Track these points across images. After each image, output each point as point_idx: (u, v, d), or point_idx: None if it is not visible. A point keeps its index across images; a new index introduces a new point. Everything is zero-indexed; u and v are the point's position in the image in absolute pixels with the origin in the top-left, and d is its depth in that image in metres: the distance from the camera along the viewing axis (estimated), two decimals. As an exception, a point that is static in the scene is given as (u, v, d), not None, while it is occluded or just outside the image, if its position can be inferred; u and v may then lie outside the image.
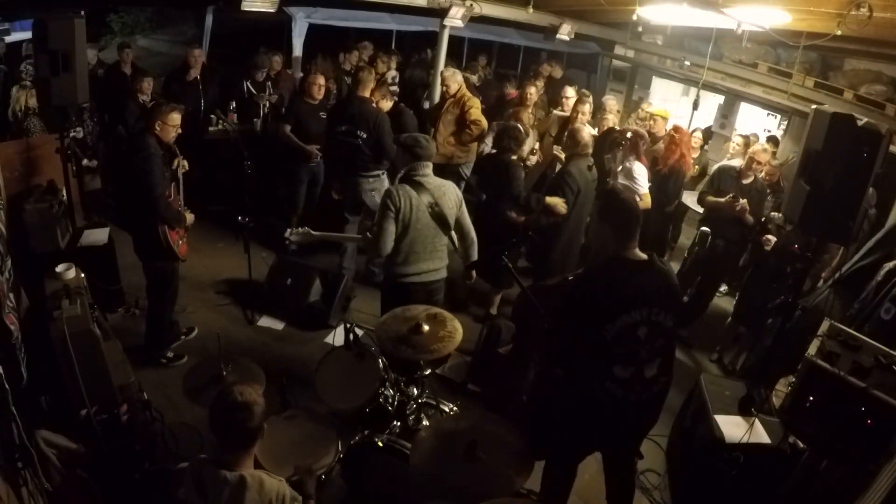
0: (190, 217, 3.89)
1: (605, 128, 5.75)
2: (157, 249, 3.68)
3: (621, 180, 4.81)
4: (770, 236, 4.44)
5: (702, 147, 6.15)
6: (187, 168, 3.94)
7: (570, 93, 6.06)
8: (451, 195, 3.49)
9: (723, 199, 4.62)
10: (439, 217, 3.42)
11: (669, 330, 2.41)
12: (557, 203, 4.35)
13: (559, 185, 4.43)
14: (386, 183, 4.99)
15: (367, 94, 4.89)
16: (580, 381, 2.39)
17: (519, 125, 4.84)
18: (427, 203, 3.37)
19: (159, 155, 3.56)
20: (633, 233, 2.39)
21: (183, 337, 4.28)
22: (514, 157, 4.57)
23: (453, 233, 3.59)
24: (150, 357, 3.97)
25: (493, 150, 4.79)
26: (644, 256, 2.40)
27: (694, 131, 6.11)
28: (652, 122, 5.67)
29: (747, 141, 6.14)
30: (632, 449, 2.74)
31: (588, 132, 4.63)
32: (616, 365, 2.33)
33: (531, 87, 6.11)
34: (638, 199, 4.73)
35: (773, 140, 7.19)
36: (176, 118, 3.62)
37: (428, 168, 3.43)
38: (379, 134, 4.79)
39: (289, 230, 3.68)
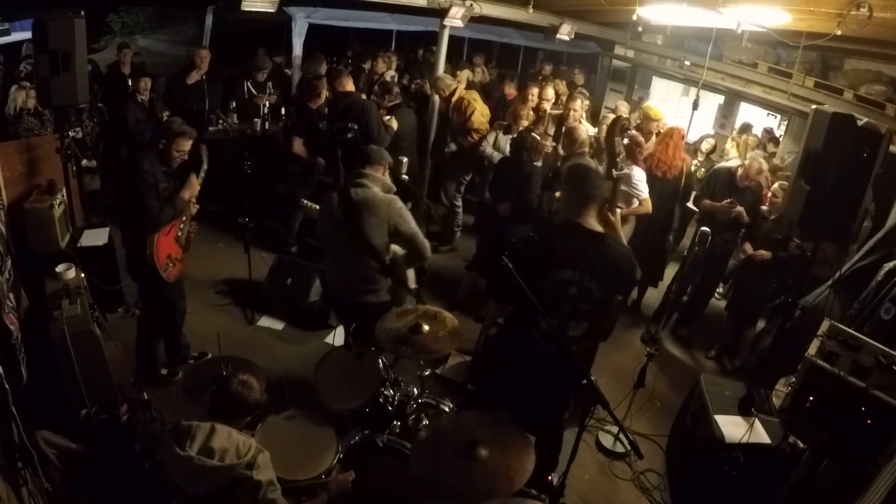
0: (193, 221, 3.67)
1: (604, 126, 5.77)
2: (146, 270, 3.44)
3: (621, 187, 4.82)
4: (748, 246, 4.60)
5: (709, 154, 6.15)
6: (197, 207, 3.71)
7: (551, 94, 6.06)
8: (379, 215, 3.10)
9: (719, 205, 4.65)
10: (354, 235, 3.11)
11: (598, 301, 2.56)
12: None
13: (552, 185, 4.45)
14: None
15: (349, 88, 4.92)
16: (514, 330, 2.69)
17: (537, 136, 4.86)
18: (346, 215, 3.11)
19: (160, 172, 3.33)
20: (589, 202, 2.56)
21: (191, 361, 4.05)
22: (538, 165, 4.57)
23: (397, 252, 3.29)
24: (143, 377, 3.62)
25: (511, 157, 4.80)
26: (598, 229, 2.57)
27: (706, 137, 6.12)
28: (657, 123, 5.69)
29: (740, 140, 6.19)
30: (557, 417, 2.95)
31: (585, 131, 4.63)
32: (541, 316, 2.52)
33: (534, 88, 6.10)
34: (637, 203, 4.76)
35: (774, 140, 7.22)
36: (186, 145, 3.38)
37: (366, 178, 3.14)
38: (367, 119, 4.76)
39: (303, 200, 3.62)
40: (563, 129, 5.04)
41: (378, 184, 3.17)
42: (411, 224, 3.19)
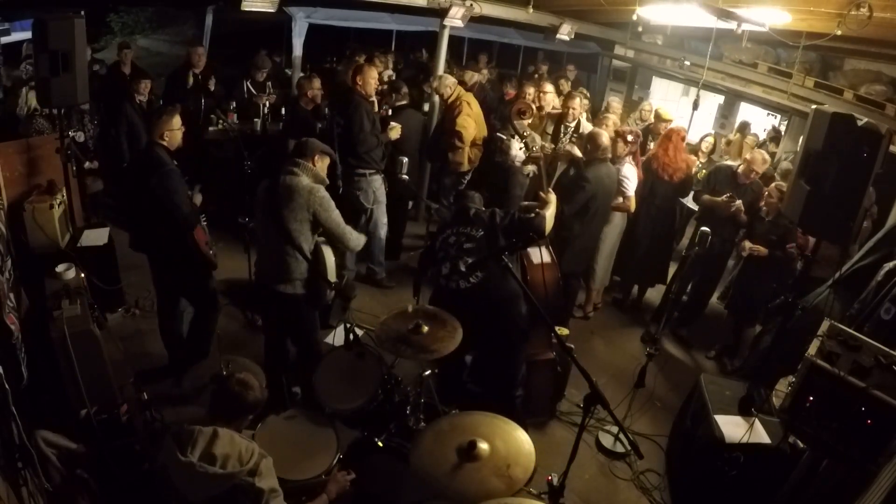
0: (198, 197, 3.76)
1: (605, 127, 5.76)
2: (195, 265, 3.60)
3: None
4: (746, 243, 4.58)
5: (710, 154, 6.14)
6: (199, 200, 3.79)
7: (549, 89, 6.04)
8: (298, 200, 3.11)
9: (719, 199, 4.66)
10: (274, 219, 3.14)
11: (479, 238, 3.32)
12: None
13: (573, 190, 4.40)
14: (374, 184, 4.94)
15: (358, 85, 4.79)
16: (434, 292, 3.63)
17: (500, 134, 4.85)
18: (269, 200, 3.17)
19: (175, 166, 3.40)
20: (468, 199, 3.56)
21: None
22: (518, 164, 4.53)
23: (325, 249, 3.30)
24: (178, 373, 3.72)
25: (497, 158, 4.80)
26: (471, 209, 3.46)
27: (706, 136, 6.12)
28: (664, 124, 5.69)
29: (740, 141, 6.20)
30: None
31: (607, 136, 4.56)
32: (441, 265, 3.42)
33: (530, 88, 6.09)
34: (621, 200, 4.75)
35: (775, 140, 7.22)
36: (178, 121, 3.46)
37: (297, 167, 3.17)
38: (350, 116, 4.68)
39: None
40: (587, 134, 4.97)
41: (308, 173, 3.20)
42: (333, 214, 3.20)
